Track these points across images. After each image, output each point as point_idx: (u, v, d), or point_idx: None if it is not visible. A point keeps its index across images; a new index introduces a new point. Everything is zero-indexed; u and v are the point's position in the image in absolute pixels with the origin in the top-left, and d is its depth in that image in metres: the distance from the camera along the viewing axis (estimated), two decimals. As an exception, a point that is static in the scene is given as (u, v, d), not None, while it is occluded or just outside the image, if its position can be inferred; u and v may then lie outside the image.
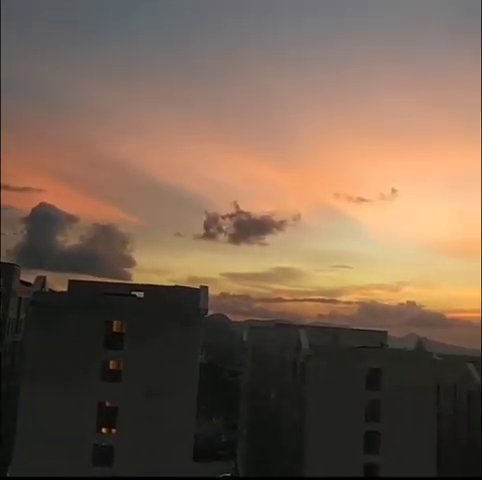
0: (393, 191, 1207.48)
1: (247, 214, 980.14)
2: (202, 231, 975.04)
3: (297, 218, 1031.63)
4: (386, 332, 72.41)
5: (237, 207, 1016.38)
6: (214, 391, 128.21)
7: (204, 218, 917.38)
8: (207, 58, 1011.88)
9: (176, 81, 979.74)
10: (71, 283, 49.71)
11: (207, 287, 50.83)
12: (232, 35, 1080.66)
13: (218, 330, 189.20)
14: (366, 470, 55.55)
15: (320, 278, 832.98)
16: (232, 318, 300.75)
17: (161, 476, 44.27)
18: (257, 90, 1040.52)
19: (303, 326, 71.79)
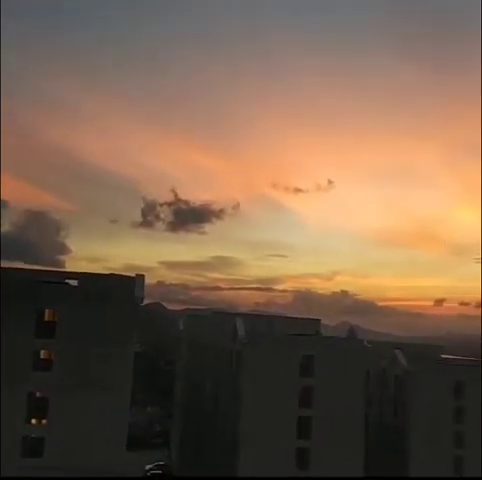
0: (329, 182, 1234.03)
1: (186, 202, 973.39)
2: (139, 218, 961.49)
3: (236, 207, 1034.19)
4: (319, 320, 74.15)
5: (176, 195, 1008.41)
6: (150, 380, 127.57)
7: (142, 205, 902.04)
8: (144, 45, 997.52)
9: (115, 68, 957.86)
10: (0, 270, 47.96)
11: (143, 275, 50.30)
12: (168, 20, 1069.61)
13: (154, 319, 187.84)
14: (298, 454, 57.01)
15: (257, 267, 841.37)
16: (169, 307, 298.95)
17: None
18: (199, 78, 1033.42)
19: (239, 314, 72.43)
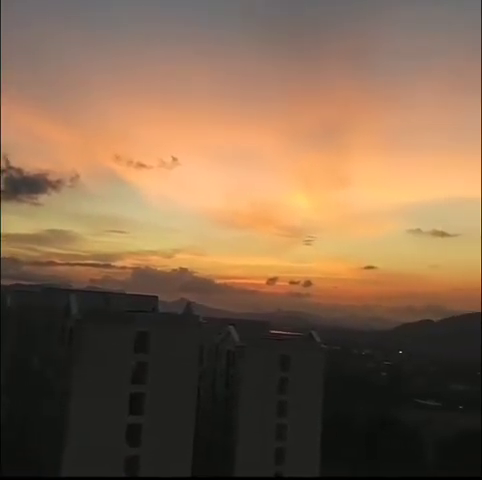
0: (174, 159, 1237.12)
1: (19, 170, 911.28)
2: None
3: (75, 179, 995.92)
4: (157, 297, 74.23)
5: (7, 162, 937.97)
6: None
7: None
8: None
9: None
10: None
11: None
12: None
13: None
14: (129, 430, 56.92)
15: (95, 242, 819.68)
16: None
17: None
18: (46, 44, 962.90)
19: (74, 291, 69.74)
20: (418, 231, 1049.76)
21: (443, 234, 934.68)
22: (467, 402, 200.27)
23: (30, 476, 40.11)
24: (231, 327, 73.63)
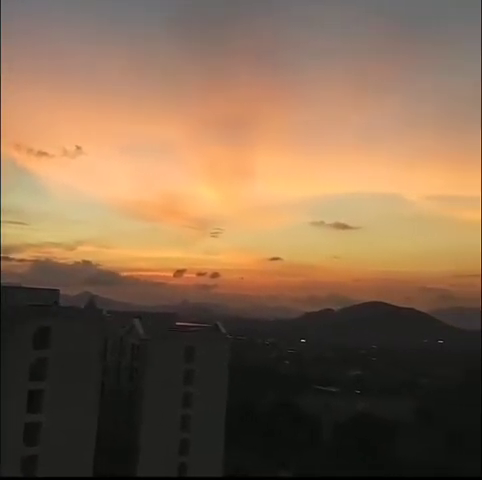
0: (77, 148, 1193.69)
1: None
2: None
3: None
4: (58, 291, 71.77)
5: None
6: None
7: None
8: None
9: None
10: None
11: None
12: None
13: None
14: (27, 429, 54.98)
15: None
16: None
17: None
18: None
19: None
20: (321, 223, 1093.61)
21: (345, 227, 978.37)
22: (363, 387, 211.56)
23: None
24: (136, 320, 72.96)
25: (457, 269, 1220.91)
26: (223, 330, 78.77)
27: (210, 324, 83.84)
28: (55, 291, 70.91)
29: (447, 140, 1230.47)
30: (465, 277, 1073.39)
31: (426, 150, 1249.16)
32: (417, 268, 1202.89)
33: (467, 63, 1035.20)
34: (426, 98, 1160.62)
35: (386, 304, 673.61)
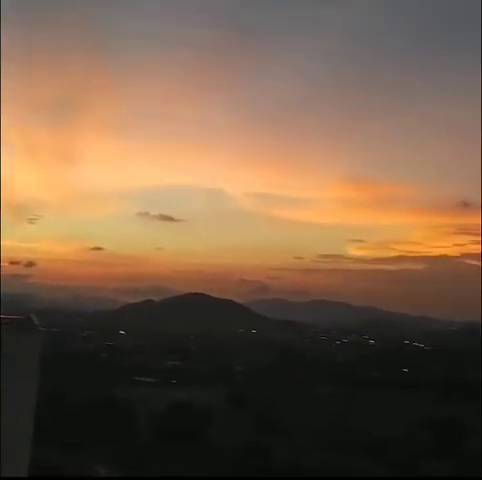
0: None
1: None
2: None
3: None
4: None
5: None
6: None
7: None
8: None
9: None
10: None
11: None
12: None
13: None
14: None
15: None
16: None
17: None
18: None
19: None
20: (146, 214, 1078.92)
21: (169, 218, 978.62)
22: (180, 376, 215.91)
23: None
24: None
25: (273, 263, 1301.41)
26: (36, 322, 74.17)
27: (22, 315, 78.65)
28: None
29: (271, 142, 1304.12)
30: (278, 270, 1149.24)
31: (250, 150, 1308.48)
32: (236, 261, 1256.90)
33: (299, 67, 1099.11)
34: (256, 99, 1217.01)
35: (206, 295, 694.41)
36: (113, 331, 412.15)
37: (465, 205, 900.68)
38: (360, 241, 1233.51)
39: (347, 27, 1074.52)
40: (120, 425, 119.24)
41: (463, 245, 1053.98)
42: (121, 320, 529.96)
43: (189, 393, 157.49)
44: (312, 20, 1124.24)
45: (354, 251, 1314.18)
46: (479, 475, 78.68)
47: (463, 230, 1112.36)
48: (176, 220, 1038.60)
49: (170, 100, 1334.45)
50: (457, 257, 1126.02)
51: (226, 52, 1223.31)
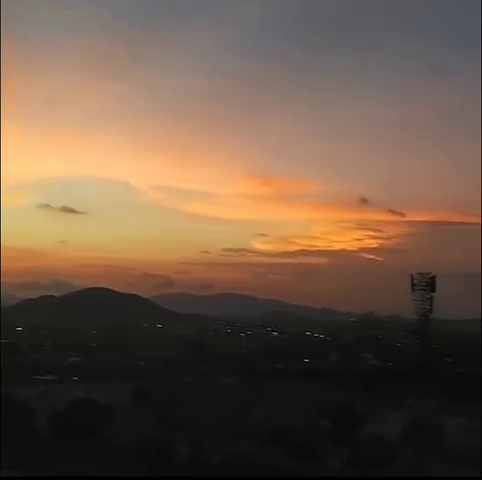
0: None
1: None
2: None
3: None
4: None
5: None
6: None
7: None
8: None
9: None
10: None
11: None
12: None
13: None
14: None
15: None
16: None
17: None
18: None
19: None
20: (48, 206, 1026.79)
21: (72, 211, 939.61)
22: (81, 373, 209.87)
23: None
24: None
25: (178, 257, 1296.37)
26: None
27: None
28: None
29: (178, 135, 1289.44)
30: (184, 264, 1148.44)
31: (156, 142, 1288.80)
32: (142, 255, 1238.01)
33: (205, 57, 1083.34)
34: (161, 89, 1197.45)
35: (109, 290, 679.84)
36: (10, 328, 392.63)
37: (363, 201, 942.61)
38: (265, 235, 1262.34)
39: (254, 16, 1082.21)
40: (18, 424, 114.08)
41: (361, 240, 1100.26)
42: (19, 316, 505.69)
43: (91, 389, 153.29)
44: (218, 7, 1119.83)
45: (259, 245, 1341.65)
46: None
47: (362, 225, 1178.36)
48: (79, 212, 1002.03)
49: (72, 87, 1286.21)
50: (356, 251, 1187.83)
51: (128, 38, 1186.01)
